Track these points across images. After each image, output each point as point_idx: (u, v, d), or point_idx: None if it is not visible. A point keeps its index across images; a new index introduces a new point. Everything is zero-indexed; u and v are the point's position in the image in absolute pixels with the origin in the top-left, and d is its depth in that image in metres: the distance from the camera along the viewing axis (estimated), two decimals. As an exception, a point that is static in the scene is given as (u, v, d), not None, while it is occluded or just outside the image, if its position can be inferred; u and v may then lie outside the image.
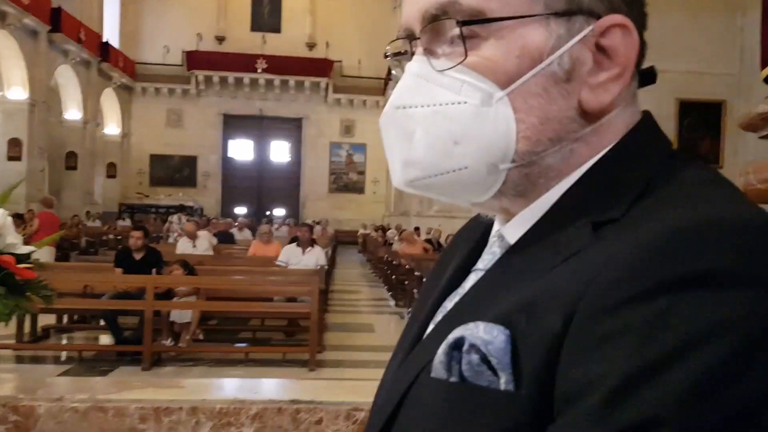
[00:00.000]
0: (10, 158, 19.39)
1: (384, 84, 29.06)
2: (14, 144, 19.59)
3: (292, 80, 29.63)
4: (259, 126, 30.54)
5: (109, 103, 27.63)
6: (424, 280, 6.92)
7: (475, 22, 0.56)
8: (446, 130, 0.57)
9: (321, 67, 29.73)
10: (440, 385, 0.54)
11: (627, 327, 0.44)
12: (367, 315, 9.91)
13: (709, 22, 10.89)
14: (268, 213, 27.89)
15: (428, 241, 12.86)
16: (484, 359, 0.51)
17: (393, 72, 26.28)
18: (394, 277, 11.52)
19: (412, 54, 0.61)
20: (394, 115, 0.60)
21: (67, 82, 23.64)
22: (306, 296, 6.62)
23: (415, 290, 8.93)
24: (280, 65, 29.24)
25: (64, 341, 7.64)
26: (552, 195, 0.59)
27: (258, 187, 30.46)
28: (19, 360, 6.64)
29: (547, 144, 0.57)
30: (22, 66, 19.77)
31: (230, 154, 30.94)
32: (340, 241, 22.11)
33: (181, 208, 24.48)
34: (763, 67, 1.70)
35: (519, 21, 0.56)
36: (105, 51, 25.51)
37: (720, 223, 0.47)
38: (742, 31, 11.20)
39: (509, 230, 0.62)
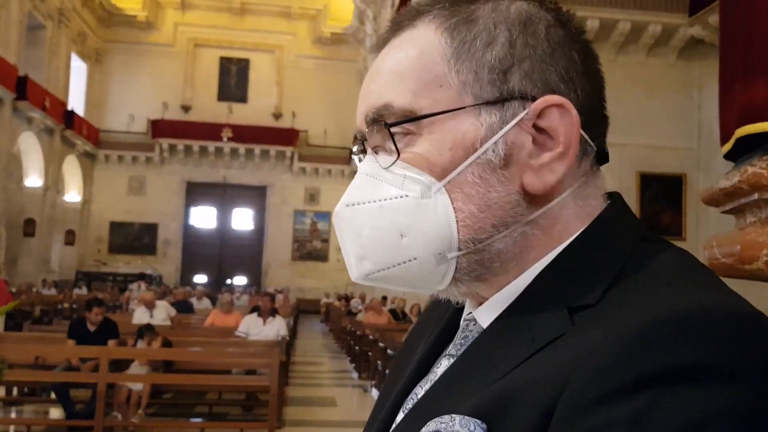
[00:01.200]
0: (-35, 225, 18.93)
1: (349, 153, 29.48)
2: (-30, 210, 19.17)
3: (257, 149, 29.89)
4: (222, 194, 30.52)
5: (71, 169, 27.38)
6: (390, 352, 6.82)
7: (403, 122, 0.59)
8: (392, 223, 0.59)
9: (287, 136, 30.12)
10: None
11: (609, 425, 0.43)
12: (329, 388, 9.71)
13: (667, 98, 11.38)
14: (228, 281, 27.50)
15: (392, 311, 12.79)
16: None
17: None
18: (357, 348, 11.38)
19: (364, 153, 0.64)
20: (343, 213, 0.62)
21: (30, 148, 23.45)
22: (265, 368, 6.50)
23: (378, 362, 8.83)
24: (246, 134, 29.54)
25: (13, 415, 7.31)
26: (524, 279, 0.59)
27: (219, 255, 30.16)
28: (-37, 436, 6.34)
29: (491, 230, 0.58)
30: (-17, 132, 19.59)
31: (192, 221, 30.71)
32: (303, 310, 21.86)
33: (140, 277, 24.04)
34: (722, 142, 1.80)
35: (448, 115, 0.58)
36: (69, 118, 25.48)
37: (698, 314, 0.46)
38: (699, 107, 11.74)
39: (481, 314, 0.61)
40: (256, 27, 30.93)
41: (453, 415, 0.51)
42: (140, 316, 9.19)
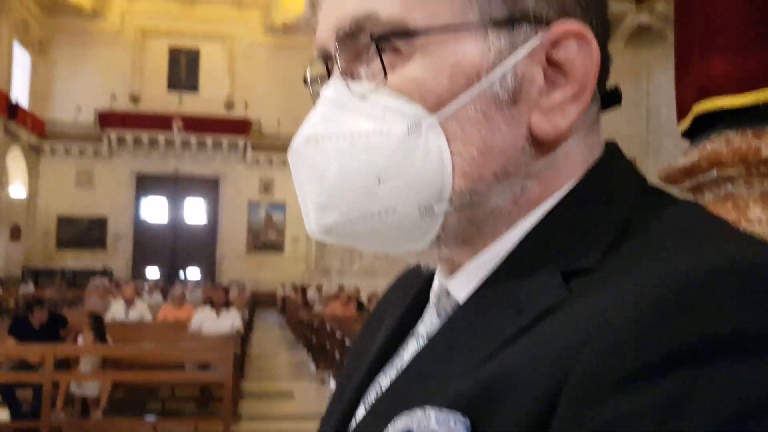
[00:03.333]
0: None
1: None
2: None
3: (209, 139, 29.40)
4: (174, 185, 29.92)
5: (16, 162, 26.43)
6: (347, 342, 6.75)
7: (396, 36, 0.47)
8: (367, 164, 0.48)
9: (239, 126, 29.69)
10: None
11: (633, 415, 0.34)
12: (286, 381, 9.64)
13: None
14: (182, 274, 27.03)
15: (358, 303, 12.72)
16: None
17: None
18: (315, 339, 11.31)
19: (329, 77, 0.53)
20: (304, 149, 0.51)
21: (-31, 140, 22.53)
22: (219, 363, 6.36)
23: (336, 352, 8.77)
24: (197, 124, 29.00)
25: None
26: (505, 243, 0.49)
27: (172, 248, 29.58)
28: None
29: (492, 180, 0.48)
30: None
31: (143, 214, 30.05)
32: (259, 302, 21.62)
33: (87, 273, 23.35)
34: (679, 118, 1.77)
35: (449, 34, 0.47)
36: (13, 110, 24.56)
37: (732, 271, 0.37)
38: (647, 94, 11.98)
39: (456, 285, 0.51)
40: (206, 16, 30.30)
41: (427, 409, 0.42)
42: (116, 310, 8.86)
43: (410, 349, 0.54)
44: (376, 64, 0.49)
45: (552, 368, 0.38)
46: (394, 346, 0.56)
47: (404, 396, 0.46)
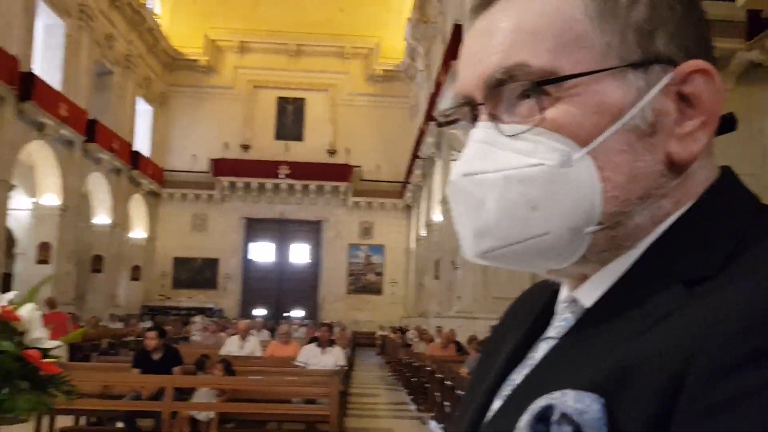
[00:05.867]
0: (39, 262, 19.88)
1: (402, 187, 29.75)
2: (44, 248, 20.13)
3: (312, 185, 30.50)
4: (279, 229, 31.15)
5: (137, 208, 28.48)
6: (447, 383, 6.71)
7: (548, 83, 0.53)
8: (522, 194, 0.53)
9: (341, 171, 30.65)
10: None
11: (751, 390, 0.39)
12: (386, 419, 9.69)
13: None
14: (286, 314, 27.87)
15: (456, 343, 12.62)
16: (578, 431, 0.45)
17: (416, 172, 26.81)
18: (414, 380, 11.34)
19: (474, 120, 0.59)
20: (461, 183, 0.57)
21: (98, 188, 24.54)
22: (325, 398, 6.58)
23: (437, 393, 8.79)
24: (302, 171, 30.23)
25: (81, 444, 7.56)
26: (632, 254, 0.55)
27: (277, 289, 30.65)
28: (36, 463, 6.58)
29: (636, 202, 0.54)
30: (57, 174, 20.66)
31: (251, 256, 31.37)
32: (358, 342, 21.92)
33: (200, 311, 24.62)
34: None
35: (594, 77, 0.53)
36: (135, 159, 26.61)
37: None
38: (762, 132, 11.45)
39: (584, 293, 0.57)
40: (311, 67, 31.84)
41: (565, 390, 0.46)
42: (231, 346, 9.35)
43: (541, 350, 0.59)
44: (526, 106, 0.54)
45: (675, 357, 0.43)
46: (524, 351, 0.61)
47: (540, 384, 0.50)
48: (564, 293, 0.61)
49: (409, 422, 9.56)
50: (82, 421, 7.78)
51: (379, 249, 30.90)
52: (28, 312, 2.60)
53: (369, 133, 31.34)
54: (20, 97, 17.54)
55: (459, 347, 11.73)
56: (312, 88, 32.11)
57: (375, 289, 30.73)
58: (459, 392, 7.06)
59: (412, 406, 10.80)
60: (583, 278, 0.57)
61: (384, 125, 31.30)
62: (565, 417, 0.45)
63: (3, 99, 16.96)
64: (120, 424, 7.09)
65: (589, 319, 0.54)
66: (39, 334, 2.65)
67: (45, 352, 2.63)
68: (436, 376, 8.81)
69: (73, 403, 6.16)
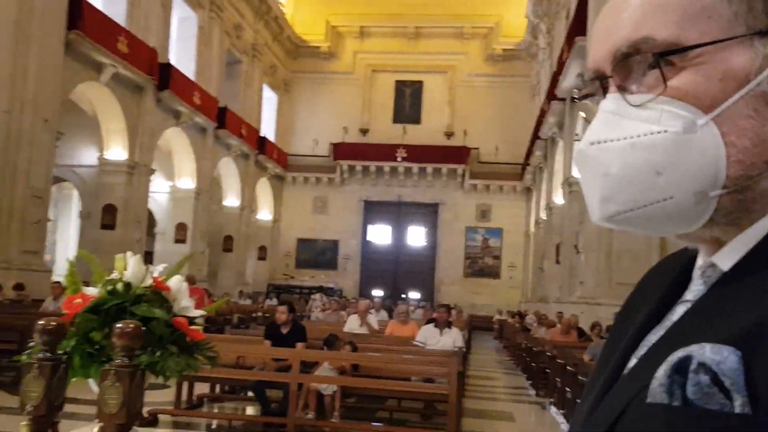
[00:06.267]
0: (177, 241, 21.40)
1: (521, 169, 29.14)
2: (181, 228, 21.65)
3: (429, 167, 30.55)
4: (397, 211, 31.53)
5: (263, 190, 29.84)
6: (569, 368, 6.56)
7: (672, 53, 0.56)
8: (645, 161, 0.56)
9: (458, 154, 30.49)
10: (660, 411, 0.48)
11: None
12: (505, 403, 9.61)
13: None
14: (403, 296, 28.25)
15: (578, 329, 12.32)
16: (716, 380, 0.46)
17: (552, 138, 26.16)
18: (534, 364, 11.17)
19: (604, 93, 0.61)
20: (588, 151, 0.60)
21: (228, 172, 25.96)
22: (443, 378, 6.63)
23: (557, 379, 8.62)
24: (419, 153, 30.36)
25: (216, 410, 8.09)
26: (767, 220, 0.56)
27: (394, 271, 31.11)
28: (176, 425, 7.07)
29: (763, 167, 0.55)
30: (191, 159, 22.06)
31: (369, 238, 32.01)
32: (474, 326, 21.86)
33: (320, 289, 25.51)
34: None
35: (718, 46, 0.55)
36: (261, 144, 27.84)
37: None
38: None
39: (722, 258, 0.58)
40: (429, 49, 31.77)
41: (702, 344, 0.48)
42: (351, 324, 9.67)
43: (678, 312, 0.60)
44: (652, 76, 0.57)
45: None
46: (662, 313, 0.62)
47: (677, 341, 0.51)
48: (701, 259, 0.62)
49: (528, 407, 9.45)
50: (217, 389, 8.35)
51: (496, 232, 30.54)
52: (176, 283, 2.83)
53: (487, 115, 30.91)
54: (159, 87, 18.82)
55: (581, 333, 11.40)
56: (430, 71, 32.05)
57: (492, 273, 30.45)
58: (581, 378, 6.89)
59: (531, 391, 10.66)
60: (719, 244, 0.59)
61: (503, 106, 30.74)
62: (702, 366, 0.47)
63: (143, 89, 18.29)
64: (250, 394, 7.52)
65: (726, 282, 0.56)
66: (186, 304, 2.88)
67: (191, 320, 2.86)
68: (558, 361, 8.63)
69: (213, 370, 6.62)
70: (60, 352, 2.59)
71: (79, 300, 2.59)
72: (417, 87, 32.44)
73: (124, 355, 2.63)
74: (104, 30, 16.01)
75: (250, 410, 7.90)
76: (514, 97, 30.61)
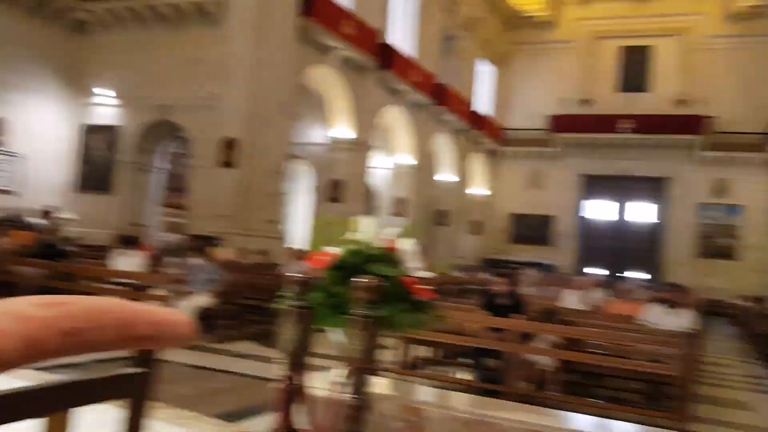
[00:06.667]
0: (395, 215, 22.45)
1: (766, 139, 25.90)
2: (399, 202, 22.68)
3: (656, 139, 28.38)
4: (617, 186, 29.85)
5: (476, 165, 30.02)
6: None
7: None
8: None
9: (691, 123, 27.89)
10: None
11: None
12: (741, 392, 8.81)
13: None
14: (624, 274, 26.83)
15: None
16: None
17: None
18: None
19: None
20: None
21: (442, 147, 26.51)
22: (670, 359, 6.24)
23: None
24: (645, 124, 28.32)
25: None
26: None
27: (614, 248, 29.56)
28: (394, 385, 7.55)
29: None
30: (410, 135, 22.95)
31: (587, 213, 30.75)
32: (708, 311, 20.06)
33: (534, 265, 25.11)
34: None
35: None
36: (476, 119, 27.97)
37: None
38: None
39: None
40: (659, 11, 29.29)
41: None
42: (569, 300, 9.55)
43: None
44: None
45: None
46: None
47: None
48: None
49: (766, 397, 8.55)
50: (436, 354, 8.67)
51: (735, 209, 27.59)
52: (408, 245, 3.02)
53: (727, 80, 27.83)
54: (380, 66, 19.73)
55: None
56: (660, 34, 29.56)
57: (730, 254, 27.62)
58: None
59: (774, 383, 9.62)
60: None
61: (748, 70, 27.48)
62: None
63: (366, 69, 19.29)
64: (462, 361, 7.72)
65: None
66: (415, 265, 3.07)
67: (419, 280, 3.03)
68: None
69: (437, 334, 6.91)
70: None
71: (323, 257, 2.89)
72: (644, 53, 30.18)
73: (364, 308, 2.89)
74: (332, 14, 17.14)
75: (465, 376, 8.09)
76: (763, 60, 27.19)
